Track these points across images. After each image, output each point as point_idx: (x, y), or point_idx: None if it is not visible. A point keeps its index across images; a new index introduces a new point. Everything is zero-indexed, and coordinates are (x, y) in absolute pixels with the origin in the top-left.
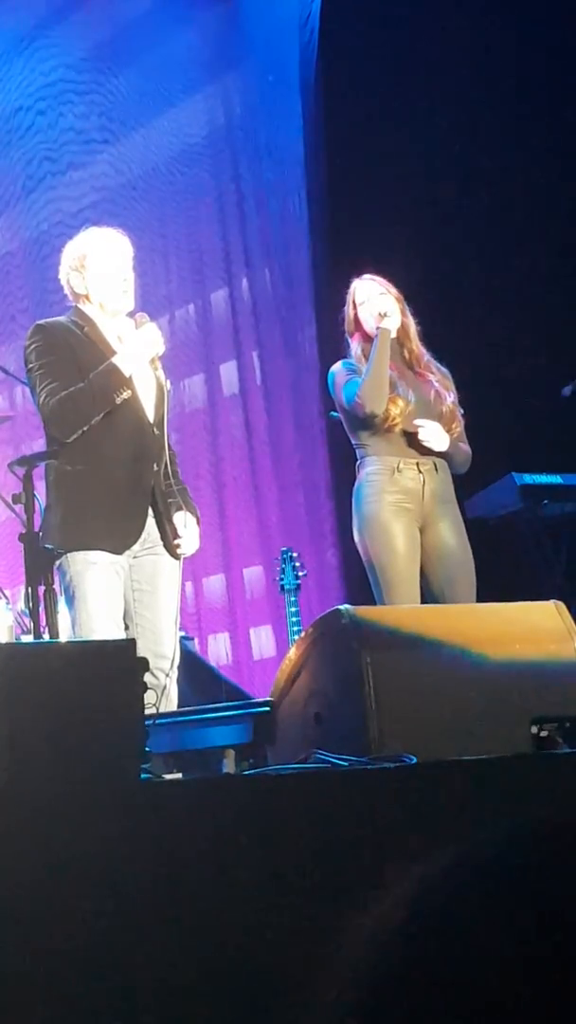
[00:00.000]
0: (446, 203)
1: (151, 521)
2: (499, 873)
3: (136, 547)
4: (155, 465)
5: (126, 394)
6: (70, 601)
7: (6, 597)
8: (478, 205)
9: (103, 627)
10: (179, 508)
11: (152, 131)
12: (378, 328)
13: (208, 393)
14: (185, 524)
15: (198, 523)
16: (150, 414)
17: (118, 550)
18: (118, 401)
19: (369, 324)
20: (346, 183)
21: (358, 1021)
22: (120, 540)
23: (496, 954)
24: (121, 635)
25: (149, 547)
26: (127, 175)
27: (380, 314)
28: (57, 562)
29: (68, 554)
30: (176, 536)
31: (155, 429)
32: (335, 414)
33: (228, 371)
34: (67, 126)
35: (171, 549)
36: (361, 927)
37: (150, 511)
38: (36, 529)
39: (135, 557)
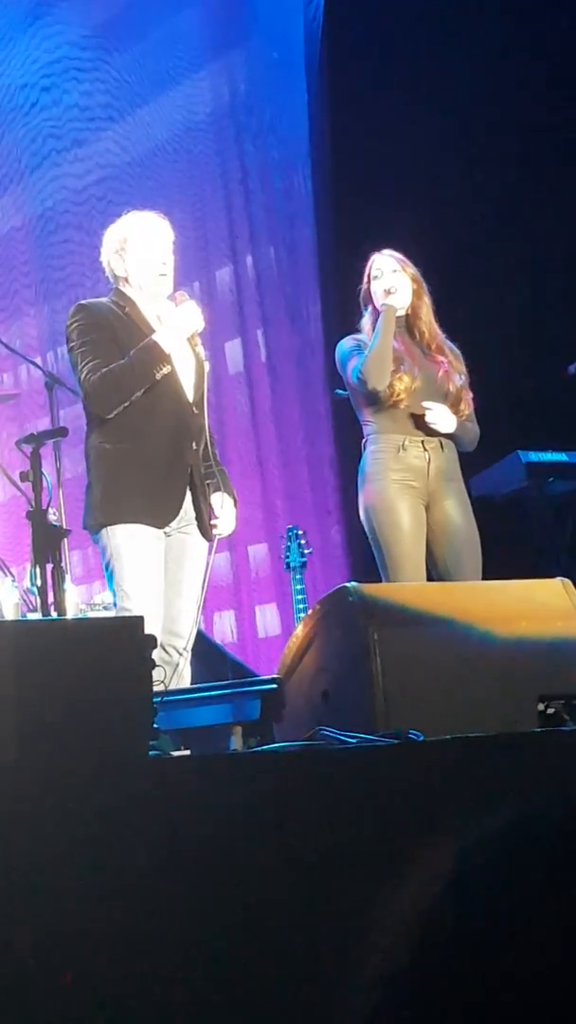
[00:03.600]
0: (451, 180)
1: (187, 500)
2: (509, 847)
3: (172, 525)
4: (194, 444)
5: (166, 369)
6: (111, 576)
7: (12, 575)
8: (484, 182)
9: (141, 602)
10: (217, 488)
11: (157, 108)
12: (383, 304)
13: (213, 371)
14: (222, 505)
15: (235, 504)
16: (190, 393)
17: (158, 524)
18: (158, 376)
19: (379, 299)
20: (351, 160)
21: (380, 1002)
22: (159, 517)
23: (509, 928)
24: (161, 608)
25: (182, 526)
26: (132, 152)
27: (385, 291)
28: (97, 537)
29: (108, 528)
30: (212, 516)
31: (194, 408)
32: (341, 392)
33: (233, 349)
34: (71, 103)
35: (205, 530)
36: (371, 904)
37: (187, 490)
38: (44, 507)
39: (167, 535)
